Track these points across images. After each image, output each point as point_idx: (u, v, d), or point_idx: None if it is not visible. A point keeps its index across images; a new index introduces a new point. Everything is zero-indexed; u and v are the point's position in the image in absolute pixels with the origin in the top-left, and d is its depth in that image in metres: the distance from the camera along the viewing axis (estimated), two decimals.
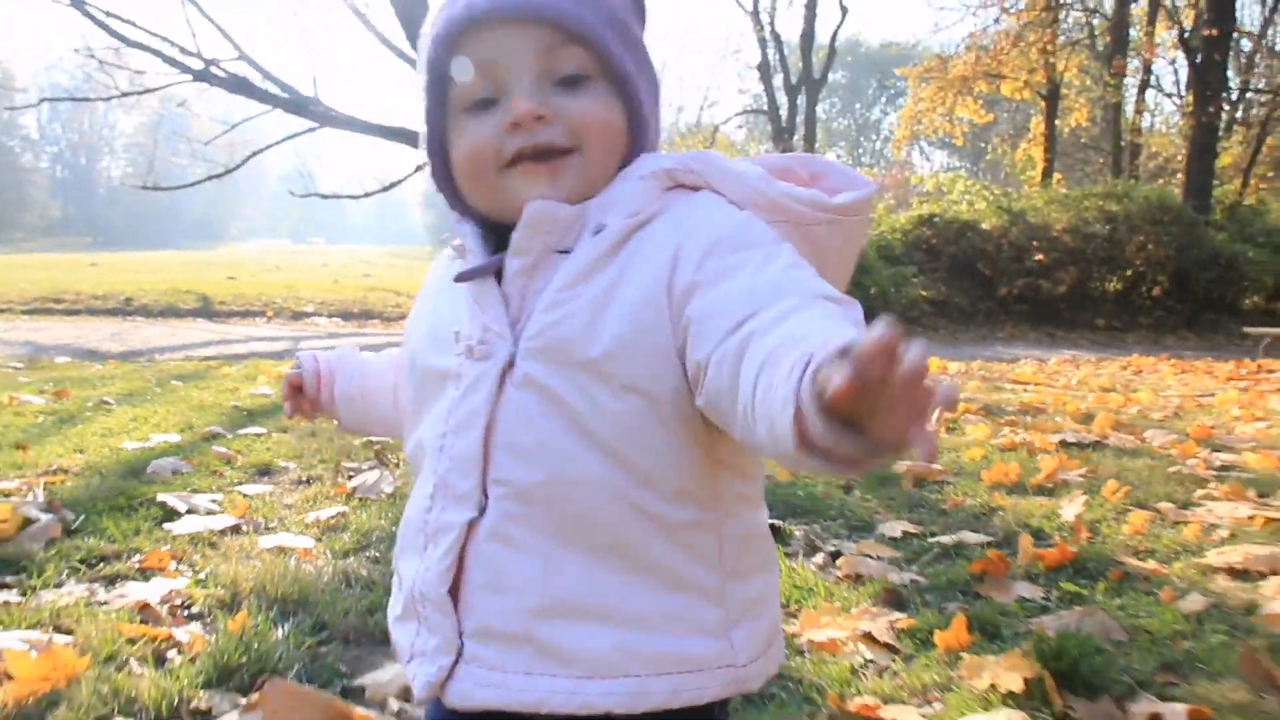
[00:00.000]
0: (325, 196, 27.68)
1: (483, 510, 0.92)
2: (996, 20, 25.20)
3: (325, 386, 1.24)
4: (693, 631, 0.93)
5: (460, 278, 0.96)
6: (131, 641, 2.17)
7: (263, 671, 2.04)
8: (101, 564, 2.74)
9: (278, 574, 2.59)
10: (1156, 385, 7.89)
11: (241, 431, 4.67)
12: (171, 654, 2.15)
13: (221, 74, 20.46)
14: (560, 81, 0.95)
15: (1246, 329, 14.38)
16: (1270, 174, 31.86)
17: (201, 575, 2.65)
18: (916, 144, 50.15)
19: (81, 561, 2.73)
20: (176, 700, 1.92)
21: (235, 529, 3.10)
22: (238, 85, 20.80)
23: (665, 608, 0.92)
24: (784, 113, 36.97)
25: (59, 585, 2.57)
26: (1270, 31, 32.18)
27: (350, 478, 3.78)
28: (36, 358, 8.52)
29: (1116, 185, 21.64)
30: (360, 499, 3.46)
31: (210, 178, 24.40)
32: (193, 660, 2.09)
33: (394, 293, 20.21)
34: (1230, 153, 30.35)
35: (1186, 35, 24.85)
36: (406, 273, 28.57)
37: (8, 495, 3.29)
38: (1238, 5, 31.44)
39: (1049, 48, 26.51)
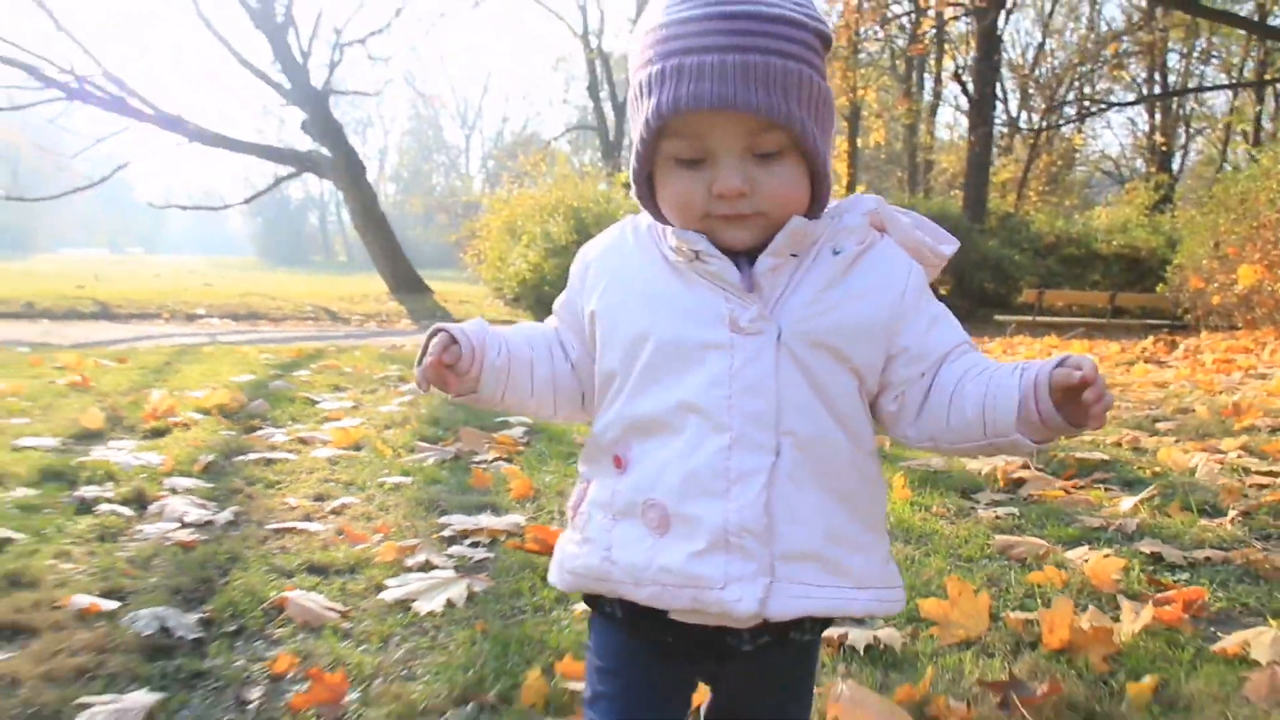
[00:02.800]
0: (185, 208, 28.97)
1: (778, 454, 1.13)
2: None
3: (478, 360, 1.22)
4: (886, 558, 1.23)
5: (746, 284, 1.15)
6: (363, 437, 4.64)
7: (445, 434, 4.55)
8: (306, 418, 5.15)
9: (408, 413, 5.10)
10: None
11: (292, 374, 7.00)
12: (388, 438, 4.62)
13: (97, 92, 21.82)
14: (759, 155, 1.13)
15: (997, 317, 17.86)
16: (1045, 188, 36.59)
17: (366, 419, 5.10)
18: None
19: (293, 417, 5.14)
20: (414, 442, 4.42)
21: (355, 407, 5.54)
22: (113, 104, 22.22)
23: (872, 539, 1.21)
24: (612, 128, 39.89)
25: (291, 424, 4.97)
26: (1040, 68, 36.75)
27: (395, 388, 6.25)
28: (13, 348, 10.25)
29: (904, 199, 25.25)
30: (411, 397, 5.90)
31: (78, 189, 25.50)
32: (408, 431, 4.59)
33: (269, 297, 21.96)
34: (1009, 169, 34.86)
35: (959, 70, 28.97)
36: (242, 282, 29.63)
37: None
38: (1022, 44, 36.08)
39: (849, 74, 29.59)
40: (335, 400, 5.77)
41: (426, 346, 1.19)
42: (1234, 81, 32.76)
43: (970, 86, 26.67)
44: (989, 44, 25.05)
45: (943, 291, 22.27)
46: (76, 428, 4.62)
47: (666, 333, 1.16)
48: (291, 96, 24.20)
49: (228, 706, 1.98)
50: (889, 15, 27.93)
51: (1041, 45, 36.74)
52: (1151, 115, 36.68)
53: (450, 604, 2.47)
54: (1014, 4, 30.35)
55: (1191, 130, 38.54)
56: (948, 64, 32.86)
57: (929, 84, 35.24)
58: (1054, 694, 1.94)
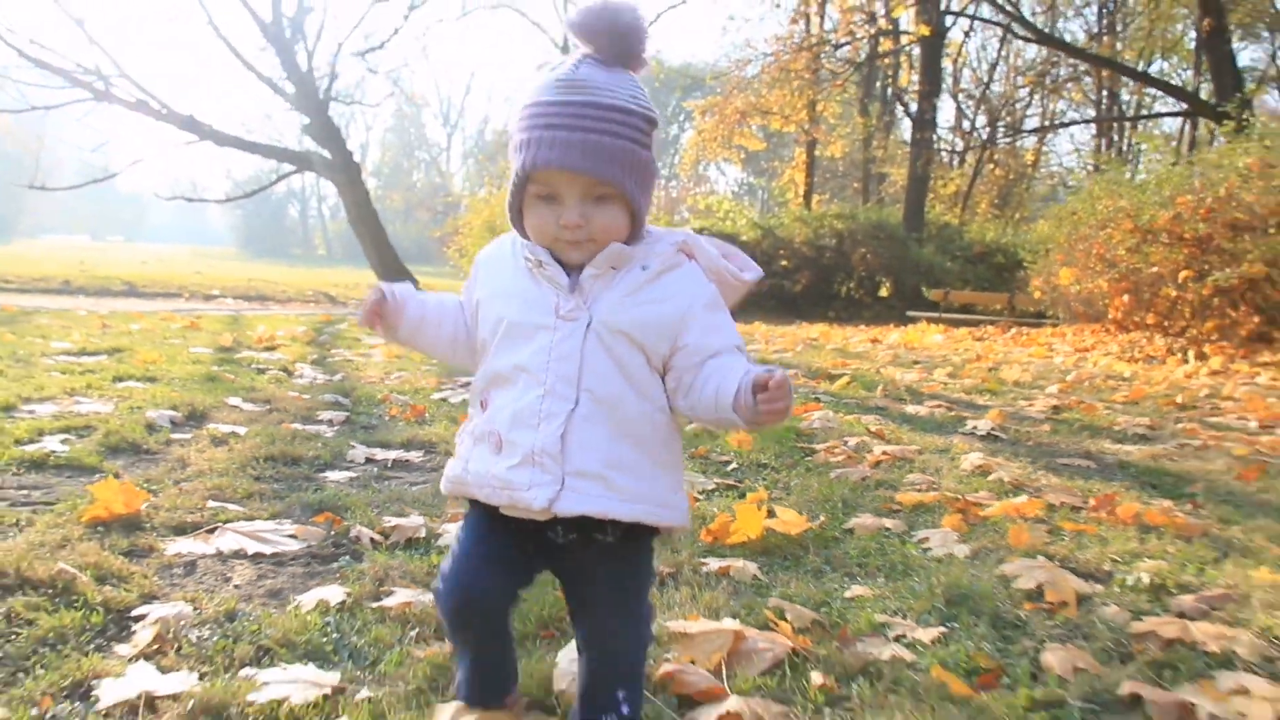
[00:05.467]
0: (191, 200, 31.42)
1: (576, 404, 1.54)
2: (758, 70, 30.55)
3: (399, 311, 1.69)
4: (667, 488, 1.62)
5: (572, 286, 1.57)
6: (401, 353, 7.40)
7: None
8: (359, 345, 7.91)
9: None
10: (818, 334, 13.73)
11: (340, 324, 9.73)
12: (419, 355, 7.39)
13: (122, 94, 24.29)
14: (594, 198, 1.54)
15: (909, 313, 20.71)
16: (997, 201, 39.16)
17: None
18: (714, 162, 55.04)
19: (349, 345, 7.89)
20: None
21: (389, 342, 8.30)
22: (137, 105, 24.68)
23: (657, 471, 1.60)
24: None
25: (351, 348, 7.72)
26: (988, 92, 39.31)
27: None
28: (94, 312, 12.90)
29: (845, 208, 28.05)
30: None
31: (95, 181, 27.87)
32: None
33: (272, 282, 24.64)
34: (954, 183, 37.47)
35: (902, 93, 31.94)
36: (229, 271, 32.29)
37: (294, 333, 8.33)
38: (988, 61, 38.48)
39: (809, 92, 31.89)
40: (373, 339, 8.54)
41: (367, 297, 1.68)
42: (1152, 113, 35.36)
43: (912, 107, 29.43)
44: (930, 69, 27.80)
45: (882, 293, 25.05)
46: (217, 344, 7.39)
47: (515, 316, 1.60)
48: (295, 102, 26.78)
49: (376, 415, 4.75)
50: (842, 41, 30.58)
51: (994, 66, 39.03)
52: (1098, 136, 38.96)
53: (465, 402, 5.26)
54: (971, 27, 32.99)
55: (1139, 149, 40.49)
56: (903, 83, 35.16)
57: (889, 98, 37.38)
58: None
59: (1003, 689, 2.03)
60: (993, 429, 4.87)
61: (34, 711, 1.82)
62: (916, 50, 29.46)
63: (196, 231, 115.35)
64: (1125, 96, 37.62)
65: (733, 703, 1.89)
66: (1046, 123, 39.14)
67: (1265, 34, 29.89)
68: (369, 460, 3.90)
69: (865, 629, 2.31)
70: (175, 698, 1.87)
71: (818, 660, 2.12)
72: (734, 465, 3.95)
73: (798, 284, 24.18)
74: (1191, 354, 9.82)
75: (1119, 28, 35.15)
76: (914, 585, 2.61)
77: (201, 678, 1.97)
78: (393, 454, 3.99)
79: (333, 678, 1.98)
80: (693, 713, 1.90)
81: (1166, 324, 10.99)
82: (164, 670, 1.99)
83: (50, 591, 2.34)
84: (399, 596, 2.40)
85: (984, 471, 3.92)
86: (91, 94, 24.69)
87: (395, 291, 1.71)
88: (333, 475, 3.63)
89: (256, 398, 5.12)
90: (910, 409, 5.55)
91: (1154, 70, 35.53)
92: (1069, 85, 37.25)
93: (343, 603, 2.37)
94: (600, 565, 1.64)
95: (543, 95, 1.56)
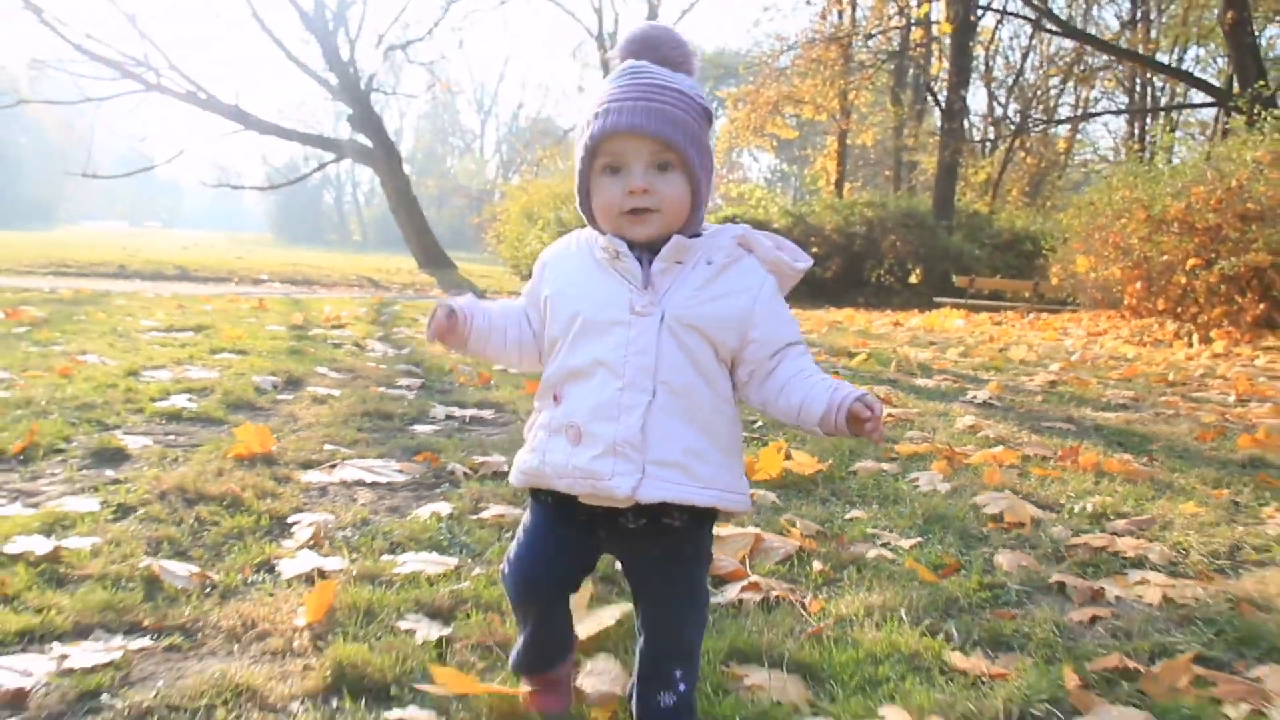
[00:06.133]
0: (235, 188, 32.35)
1: (654, 396, 1.62)
2: (789, 63, 31.14)
3: (467, 324, 1.73)
4: (735, 474, 1.71)
5: (646, 280, 1.64)
6: None
7: None
8: (416, 324, 8.60)
9: None
10: (844, 318, 14.33)
11: (394, 306, 10.44)
12: None
13: (173, 86, 25.17)
14: (658, 166, 1.63)
15: (936, 299, 21.21)
16: (1028, 189, 39.36)
17: None
18: (746, 149, 55.13)
19: (408, 324, 8.58)
20: None
21: None
22: (186, 97, 25.56)
23: (725, 459, 1.69)
24: None
25: (411, 325, 8.42)
26: (1020, 80, 39.47)
27: None
28: (160, 294, 13.69)
29: (875, 196, 28.48)
30: None
31: (144, 169, 28.71)
32: None
33: (316, 267, 25.46)
34: (985, 170, 37.76)
35: (932, 82, 32.31)
36: (270, 256, 33.09)
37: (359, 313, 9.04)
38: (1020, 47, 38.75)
39: (839, 82, 32.36)
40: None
41: (434, 314, 1.73)
42: (1184, 103, 35.48)
43: (942, 96, 29.80)
44: (959, 60, 28.14)
45: (912, 280, 25.54)
46: (290, 323, 8.10)
47: (590, 312, 1.67)
48: (338, 93, 27.60)
49: (448, 382, 5.43)
50: (871, 33, 31.06)
51: (1026, 54, 39.18)
52: (1130, 124, 39.05)
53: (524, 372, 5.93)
54: (1002, 17, 33.17)
55: (1166, 141, 40.25)
56: (934, 72, 35.46)
57: (921, 86, 37.59)
58: None
59: (959, 577, 2.66)
60: (989, 398, 5.48)
61: (239, 577, 2.49)
62: (947, 40, 29.76)
63: (231, 217, 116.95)
64: (1159, 83, 37.63)
65: (753, 579, 2.55)
66: (1079, 111, 39.21)
67: None
68: (449, 416, 4.59)
69: (858, 537, 2.97)
70: (340, 571, 2.55)
71: (819, 555, 2.78)
72: (759, 423, 4.60)
73: (828, 270, 24.58)
74: (1196, 338, 10.35)
75: (1152, 15, 35.22)
76: (901, 510, 3.26)
77: (353, 561, 2.64)
78: (469, 411, 4.68)
79: (452, 560, 2.65)
80: (723, 587, 2.55)
81: (1178, 310, 11.50)
82: (324, 555, 2.67)
83: (223, 504, 3.03)
84: (493, 510, 3.07)
85: (974, 430, 4.55)
86: (143, 85, 25.63)
87: (461, 305, 1.74)
88: (420, 428, 4.32)
89: (340, 367, 5.82)
90: (919, 381, 6.17)
91: (1189, 57, 35.85)
92: (1101, 74, 37.29)
93: (450, 514, 3.04)
94: (665, 549, 1.71)
95: (609, 84, 1.69)
